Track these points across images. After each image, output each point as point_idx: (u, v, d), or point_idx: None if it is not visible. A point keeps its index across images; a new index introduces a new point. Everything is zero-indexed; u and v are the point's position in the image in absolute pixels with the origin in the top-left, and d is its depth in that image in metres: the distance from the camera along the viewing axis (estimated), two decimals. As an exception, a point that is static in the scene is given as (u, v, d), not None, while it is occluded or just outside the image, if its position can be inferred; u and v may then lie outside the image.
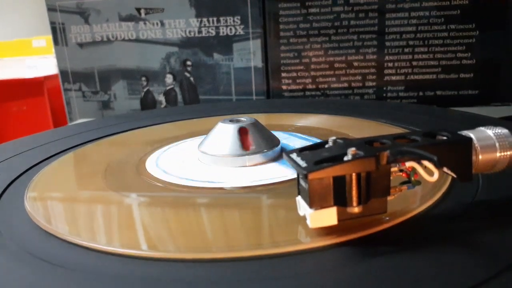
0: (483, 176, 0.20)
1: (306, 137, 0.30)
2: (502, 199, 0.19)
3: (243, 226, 0.18)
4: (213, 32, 0.48)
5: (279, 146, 0.26)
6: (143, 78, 0.51)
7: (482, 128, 0.17)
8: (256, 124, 0.26)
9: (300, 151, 0.16)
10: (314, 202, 0.15)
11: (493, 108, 0.45)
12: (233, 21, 0.48)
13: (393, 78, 0.47)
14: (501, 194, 0.19)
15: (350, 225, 0.16)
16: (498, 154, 0.16)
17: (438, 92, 0.46)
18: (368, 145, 0.16)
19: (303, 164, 0.15)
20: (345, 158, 0.15)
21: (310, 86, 0.48)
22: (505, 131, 0.17)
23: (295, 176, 0.18)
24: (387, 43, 0.46)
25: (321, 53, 0.47)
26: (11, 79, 0.62)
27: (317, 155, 0.15)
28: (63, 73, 0.53)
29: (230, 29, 0.48)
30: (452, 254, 0.14)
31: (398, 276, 0.13)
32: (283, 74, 0.48)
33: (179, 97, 0.51)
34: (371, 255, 0.15)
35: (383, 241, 0.16)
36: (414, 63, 0.46)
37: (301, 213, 0.16)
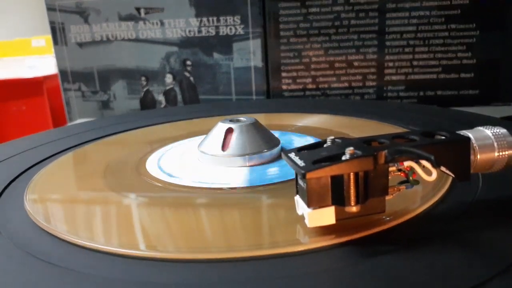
0: (483, 176, 0.20)
1: (306, 137, 0.30)
2: (502, 199, 0.19)
3: (243, 227, 0.18)
4: (213, 32, 0.48)
5: (279, 146, 0.26)
6: (143, 78, 0.51)
7: (480, 128, 0.17)
8: (256, 124, 0.26)
9: (299, 150, 0.16)
10: (312, 202, 0.15)
11: (494, 108, 0.45)
12: (233, 20, 0.48)
13: (394, 78, 0.47)
14: (501, 194, 0.19)
15: (350, 225, 0.16)
16: (496, 154, 0.16)
17: (439, 92, 0.46)
18: (366, 145, 0.16)
19: (301, 163, 0.15)
20: (343, 158, 0.15)
21: (310, 86, 0.48)
22: (503, 130, 0.17)
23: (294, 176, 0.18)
24: (388, 43, 0.46)
25: (321, 53, 0.47)
26: (10, 79, 0.62)
27: (315, 155, 0.15)
28: (63, 73, 0.53)
29: (230, 28, 0.48)
30: (453, 254, 0.14)
31: (398, 276, 0.13)
32: (283, 74, 0.48)
33: (179, 97, 0.51)
34: (371, 256, 0.15)
35: (384, 241, 0.16)
36: (415, 62, 0.46)
37: (299, 212, 0.16)
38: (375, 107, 0.39)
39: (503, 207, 0.18)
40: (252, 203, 0.21)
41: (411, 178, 0.16)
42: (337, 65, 0.47)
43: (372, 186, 0.15)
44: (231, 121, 0.26)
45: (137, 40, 0.50)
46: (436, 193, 0.19)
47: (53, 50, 0.53)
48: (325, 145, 0.17)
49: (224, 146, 0.25)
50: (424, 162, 0.15)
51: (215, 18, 0.48)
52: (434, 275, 0.13)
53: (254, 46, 0.48)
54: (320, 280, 0.14)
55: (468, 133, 0.17)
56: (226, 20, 0.48)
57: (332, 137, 0.17)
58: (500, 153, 0.16)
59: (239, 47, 0.48)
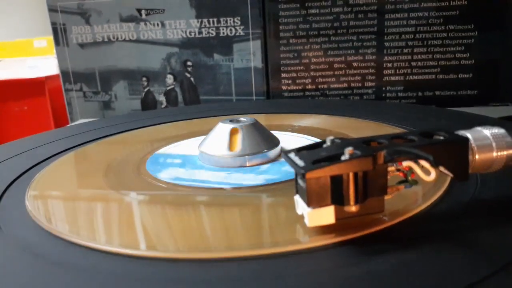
0: (482, 175, 0.20)
1: (306, 137, 0.30)
2: (500, 198, 0.19)
3: (243, 226, 0.18)
4: (213, 33, 0.49)
5: (279, 146, 0.26)
6: (144, 79, 0.51)
7: (479, 128, 0.17)
8: (256, 124, 0.26)
9: (298, 150, 0.16)
10: (312, 201, 0.15)
11: (492, 108, 0.45)
12: (233, 21, 0.48)
13: (392, 78, 0.47)
14: (499, 193, 0.19)
15: (350, 225, 0.16)
16: (494, 154, 0.17)
17: (437, 92, 0.47)
18: (365, 145, 0.16)
19: (301, 163, 0.15)
20: (343, 158, 0.15)
21: (309, 87, 0.48)
22: (502, 131, 0.17)
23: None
24: (386, 44, 0.46)
25: (320, 54, 0.47)
26: (12, 79, 0.62)
27: (315, 155, 0.16)
28: (64, 73, 0.53)
29: (230, 29, 0.48)
30: (451, 253, 0.14)
31: (398, 275, 0.13)
32: (283, 75, 0.48)
33: (180, 97, 0.51)
34: (371, 255, 0.15)
35: (383, 240, 0.16)
36: (413, 63, 0.46)
37: (299, 212, 0.16)
38: (374, 108, 0.39)
39: (502, 206, 0.18)
40: (252, 202, 0.21)
41: (409, 178, 0.16)
42: (336, 65, 0.47)
43: (371, 186, 0.15)
44: (231, 121, 0.26)
45: (138, 41, 0.50)
46: (435, 193, 0.19)
47: (54, 51, 0.53)
48: (324, 145, 0.17)
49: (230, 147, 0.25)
50: (422, 162, 0.16)
51: (215, 19, 0.48)
52: (433, 274, 0.13)
53: (254, 47, 0.48)
54: (320, 279, 0.14)
55: (467, 133, 0.17)
56: (226, 21, 0.48)
57: (332, 137, 0.17)
58: (499, 153, 0.17)
59: (239, 48, 0.48)
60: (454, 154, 0.16)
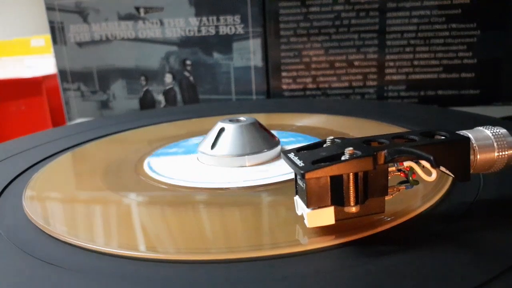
0: (484, 175, 0.20)
1: (306, 137, 0.30)
2: (503, 199, 0.19)
3: (243, 227, 0.18)
4: (212, 31, 0.48)
5: (279, 146, 0.26)
6: (142, 78, 0.51)
7: (480, 128, 0.17)
8: (256, 124, 0.26)
9: (298, 150, 0.16)
10: (312, 202, 0.15)
11: (495, 108, 0.45)
12: (233, 20, 0.48)
13: (394, 77, 0.47)
14: (502, 194, 0.19)
15: (350, 226, 0.16)
16: (496, 154, 0.16)
17: (439, 92, 0.46)
18: (365, 145, 0.16)
19: (300, 163, 0.15)
20: (343, 158, 0.15)
21: (310, 86, 0.48)
22: (503, 131, 0.17)
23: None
24: (388, 42, 0.46)
25: (321, 52, 0.47)
26: (9, 78, 0.61)
27: (314, 155, 0.15)
28: (62, 72, 0.53)
29: (230, 28, 0.48)
30: (454, 254, 0.14)
31: (399, 276, 0.13)
32: (283, 74, 0.48)
33: (179, 96, 0.51)
34: (372, 256, 0.15)
35: (384, 241, 0.16)
36: (415, 62, 0.46)
37: (298, 212, 0.16)
38: (375, 107, 0.39)
39: (504, 207, 0.18)
40: (252, 203, 0.20)
41: (410, 178, 0.16)
42: (337, 64, 0.47)
43: (371, 186, 0.15)
44: (231, 121, 0.26)
45: (136, 39, 0.50)
46: (437, 193, 0.19)
47: (52, 49, 0.53)
48: (324, 145, 0.17)
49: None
50: (423, 162, 0.15)
51: (215, 18, 0.48)
52: (434, 275, 0.13)
53: (254, 45, 0.48)
54: (321, 280, 0.14)
55: (468, 133, 0.17)
56: (226, 20, 0.48)
57: (332, 137, 0.17)
58: (500, 153, 0.16)
59: (239, 47, 0.48)
60: (455, 154, 0.16)
